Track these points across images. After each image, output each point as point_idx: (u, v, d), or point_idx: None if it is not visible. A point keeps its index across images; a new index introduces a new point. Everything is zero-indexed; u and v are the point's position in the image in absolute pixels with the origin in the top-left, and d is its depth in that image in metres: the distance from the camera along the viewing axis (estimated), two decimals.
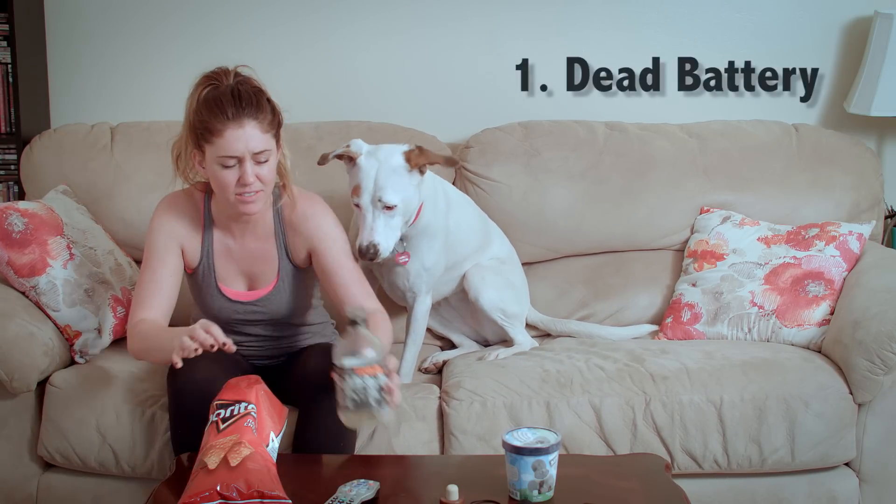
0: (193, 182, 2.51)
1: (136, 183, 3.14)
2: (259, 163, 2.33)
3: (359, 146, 2.62)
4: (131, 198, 3.13)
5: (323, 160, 2.66)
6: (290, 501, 1.96)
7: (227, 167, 2.32)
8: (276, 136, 2.38)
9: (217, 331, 2.17)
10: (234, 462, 1.97)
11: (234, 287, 2.53)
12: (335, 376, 2.10)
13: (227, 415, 2.09)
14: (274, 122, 2.37)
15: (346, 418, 2.12)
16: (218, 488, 1.94)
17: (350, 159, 2.63)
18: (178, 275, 2.48)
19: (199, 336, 2.15)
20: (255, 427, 2.07)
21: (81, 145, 3.20)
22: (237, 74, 2.37)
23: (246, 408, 2.10)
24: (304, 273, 2.56)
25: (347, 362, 2.08)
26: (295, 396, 2.49)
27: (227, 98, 2.31)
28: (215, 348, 2.16)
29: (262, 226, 2.50)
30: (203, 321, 2.20)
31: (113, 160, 3.18)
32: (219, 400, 2.13)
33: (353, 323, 2.10)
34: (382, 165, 2.57)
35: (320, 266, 2.49)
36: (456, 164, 2.70)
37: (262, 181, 2.35)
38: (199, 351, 2.15)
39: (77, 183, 3.14)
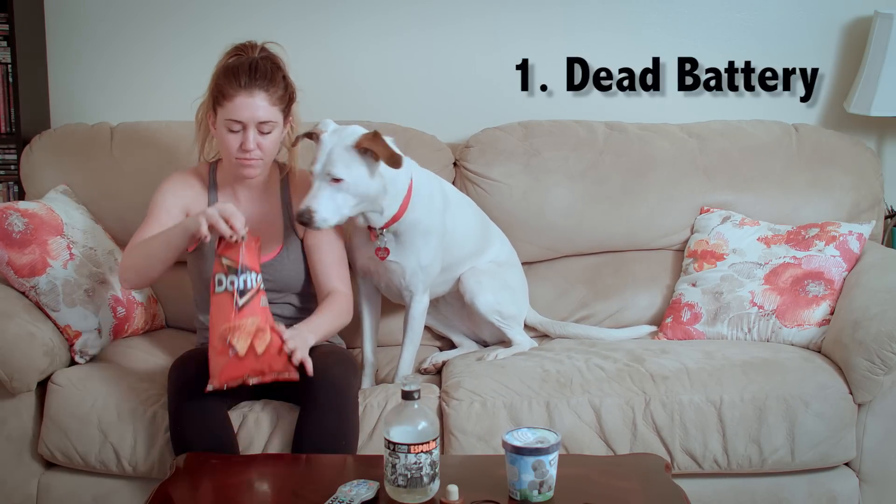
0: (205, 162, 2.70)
1: (136, 183, 3.13)
2: (262, 133, 2.52)
3: (326, 124, 2.63)
4: (131, 198, 3.12)
5: (295, 142, 2.68)
6: (298, 376, 2.32)
7: (232, 131, 2.51)
8: (285, 112, 2.57)
9: (239, 221, 2.30)
10: (260, 350, 2.25)
11: None
12: (385, 450, 2.01)
13: (242, 287, 2.25)
14: (284, 97, 2.56)
15: (394, 493, 2.01)
16: (247, 376, 2.27)
17: (317, 137, 2.63)
18: None
19: (227, 215, 2.30)
20: (267, 302, 2.32)
21: (81, 145, 3.20)
22: (263, 49, 2.58)
23: (256, 280, 2.28)
24: None
25: (402, 438, 1.98)
26: (296, 396, 2.50)
27: (244, 68, 2.50)
28: (238, 237, 2.28)
29: (267, 191, 2.64)
30: (221, 205, 2.35)
31: (113, 160, 3.18)
32: (225, 258, 2.27)
33: (406, 395, 2.01)
34: (341, 141, 2.56)
35: (308, 239, 2.62)
36: (397, 166, 2.54)
37: (262, 150, 2.53)
38: (233, 236, 2.28)
39: (77, 183, 3.14)
